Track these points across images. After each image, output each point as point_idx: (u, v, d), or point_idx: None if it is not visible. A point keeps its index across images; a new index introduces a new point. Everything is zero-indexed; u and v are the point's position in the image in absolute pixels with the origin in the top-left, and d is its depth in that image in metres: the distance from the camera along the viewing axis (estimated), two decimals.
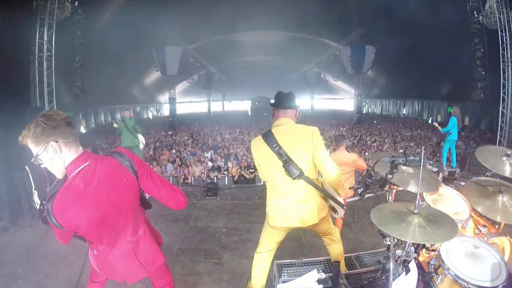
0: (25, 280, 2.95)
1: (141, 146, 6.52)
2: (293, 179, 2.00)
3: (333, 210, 2.20)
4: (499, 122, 7.97)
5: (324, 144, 2.09)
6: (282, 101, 2.18)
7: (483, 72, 10.27)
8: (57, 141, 1.30)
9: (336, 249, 2.37)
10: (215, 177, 7.48)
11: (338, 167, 2.05)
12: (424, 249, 1.94)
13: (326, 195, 2.12)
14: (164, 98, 21.06)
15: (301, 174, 1.99)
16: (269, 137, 2.09)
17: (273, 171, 2.09)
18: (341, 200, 2.15)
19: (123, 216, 1.51)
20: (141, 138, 6.43)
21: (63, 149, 1.33)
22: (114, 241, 1.53)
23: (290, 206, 2.09)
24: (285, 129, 2.11)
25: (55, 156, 1.32)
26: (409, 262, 1.68)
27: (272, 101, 2.21)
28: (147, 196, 1.76)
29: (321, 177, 2.16)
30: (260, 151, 2.13)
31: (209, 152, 9.48)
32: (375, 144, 10.47)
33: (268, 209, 2.22)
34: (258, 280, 2.34)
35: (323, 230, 2.29)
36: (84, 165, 1.36)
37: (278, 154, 2.02)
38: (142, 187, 1.56)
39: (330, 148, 4.60)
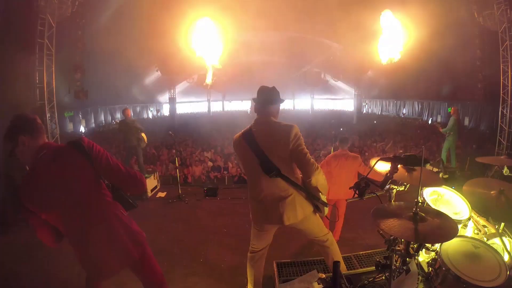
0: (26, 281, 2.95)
1: (143, 145, 6.53)
2: (270, 177, 2.00)
3: (318, 208, 2.18)
4: (499, 122, 7.97)
5: (304, 142, 2.06)
6: (263, 97, 2.15)
7: (483, 73, 10.28)
8: (25, 136, 1.57)
9: (329, 254, 2.31)
10: (215, 177, 7.48)
11: (318, 166, 2.03)
12: (424, 249, 1.94)
13: (308, 194, 2.10)
14: (164, 98, 21.04)
15: (278, 172, 1.99)
16: (248, 135, 2.09)
17: (252, 169, 2.10)
18: (324, 198, 2.14)
19: (81, 204, 1.62)
20: (143, 136, 6.44)
21: (30, 142, 1.58)
22: (77, 231, 1.62)
23: (269, 204, 2.08)
24: (264, 126, 2.10)
25: (24, 148, 1.58)
26: (409, 262, 1.68)
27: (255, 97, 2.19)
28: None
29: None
30: (240, 148, 2.14)
31: (209, 152, 9.48)
32: (375, 144, 10.48)
33: (250, 207, 2.23)
34: (254, 279, 2.35)
35: (310, 232, 2.25)
36: (42, 153, 1.59)
37: (256, 152, 2.02)
38: (101, 173, 1.70)
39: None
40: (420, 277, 1.79)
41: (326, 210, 2.20)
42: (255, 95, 2.19)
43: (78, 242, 1.63)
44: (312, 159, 2.02)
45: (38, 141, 1.62)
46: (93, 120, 15.09)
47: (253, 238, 2.31)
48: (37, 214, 1.59)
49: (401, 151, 8.60)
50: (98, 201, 1.67)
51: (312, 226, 2.21)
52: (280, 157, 2.01)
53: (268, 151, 2.01)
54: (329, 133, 8.78)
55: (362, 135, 11.84)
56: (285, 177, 2.01)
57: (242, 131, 2.17)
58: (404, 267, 1.67)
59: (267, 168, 1.99)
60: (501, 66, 7.69)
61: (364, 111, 21.29)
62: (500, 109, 7.98)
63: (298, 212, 2.08)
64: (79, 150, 1.63)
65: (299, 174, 2.13)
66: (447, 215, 1.66)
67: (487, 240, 2.03)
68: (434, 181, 2.12)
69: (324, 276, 1.88)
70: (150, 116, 21.59)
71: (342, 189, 3.45)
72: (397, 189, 1.99)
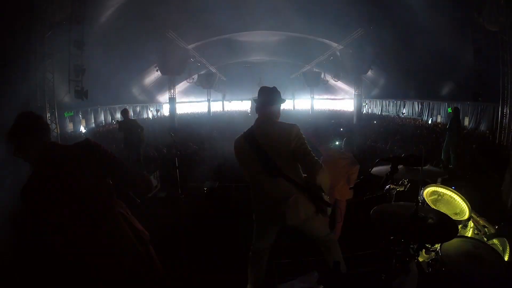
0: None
1: (143, 144, 6.55)
2: (272, 177, 2.00)
3: (321, 209, 2.15)
4: (499, 123, 7.97)
5: (307, 141, 2.05)
6: (264, 98, 2.16)
7: (483, 73, 10.28)
8: (30, 135, 1.53)
9: (331, 254, 2.30)
10: (215, 177, 7.46)
11: (322, 165, 2.00)
12: (424, 249, 1.94)
13: (310, 194, 2.08)
14: (164, 98, 21.03)
15: (281, 172, 1.99)
16: (250, 136, 2.10)
17: (254, 170, 2.10)
18: (326, 198, 2.13)
19: (88, 205, 1.59)
20: (143, 135, 6.46)
21: (35, 141, 1.54)
22: (84, 231, 1.59)
23: (271, 204, 2.08)
24: (265, 127, 2.11)
25: (29, 148, 1.53)
26: (409, 262, 1.68)
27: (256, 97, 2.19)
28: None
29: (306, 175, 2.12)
30: (241, 150, 2.14)
31: (209, 151, 9.47)
32: (375, 144, 10.47)
33: (253, 207, 2.23)
34: (254, 279, 2.34)
35: (313, 232, 2.24)
36: (47, 154, 1.56)
37: (257, 152, 2.03)
38: (108, 174, 1.66)
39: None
40: (420, 277, 1.79)
41: (329, 210, 2.20)
42: (255, 95, 2.19)
43: (84, 242, 1.61)
44: (316, 158, 2.01)
45: (44, 141, 1.58)
46: (93, 120, 15.09)
47: (255, 238, 2.31)
48: (43, 216, 1.56)
49: (401, 151, 8.59)
50: (104, 201, 1.66)
51: (314, 226, 2.20)
52: (282, 157, 2.01)
53: (270, 151, 2.01)
54: (328, 132, 8.77)
55: (362, 135, 11.83)
56: (287, 177, 2.01)
57: (244, 132, 2.18)
58: (404, 267, 1.67)
59: (268, 168, 1.99)
60: (501, 67, 7.69)
61: (364, 111, 21.25)
62: (500, 109, 7.98)
63: (301, 212, 2.07)
64: (86, 151, 1.61)
65: (301, 174, 2.13)
66: (447, 215, 1.66)
67: (487, 240, 2.03)
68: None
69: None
70: (150, 116, 21.59)
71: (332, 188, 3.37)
72: (397, 189, 1.99)
